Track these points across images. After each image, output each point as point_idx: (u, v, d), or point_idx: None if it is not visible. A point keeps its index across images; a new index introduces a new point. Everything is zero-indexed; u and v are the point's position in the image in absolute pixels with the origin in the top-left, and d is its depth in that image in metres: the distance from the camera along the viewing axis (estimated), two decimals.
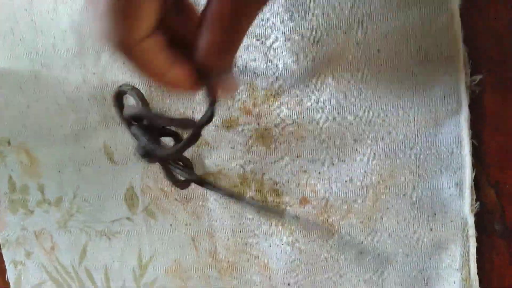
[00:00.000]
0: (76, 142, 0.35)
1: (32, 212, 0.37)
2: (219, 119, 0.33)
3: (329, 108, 0.31)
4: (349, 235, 0.31)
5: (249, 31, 0.30)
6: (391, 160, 0.30)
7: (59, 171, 0.36)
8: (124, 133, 0.34)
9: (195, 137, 0.25)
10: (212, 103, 0.23)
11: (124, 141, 0.34)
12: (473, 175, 0.29)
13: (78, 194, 0.36)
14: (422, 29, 0.29)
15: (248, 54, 0.31)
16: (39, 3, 0.34)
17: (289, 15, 0.30)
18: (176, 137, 0.29)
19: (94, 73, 0.34)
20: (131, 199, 0.35)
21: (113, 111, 0.34)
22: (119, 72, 0.33)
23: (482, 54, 0.28)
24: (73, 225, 0.37)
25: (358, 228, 0.31)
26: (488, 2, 0.28)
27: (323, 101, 0.31)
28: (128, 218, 0.36)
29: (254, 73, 0.32)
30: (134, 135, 0.28)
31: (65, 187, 0.36)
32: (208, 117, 0.24)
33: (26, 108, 0.36)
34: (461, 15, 0.28)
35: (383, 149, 0.30)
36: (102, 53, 0.34)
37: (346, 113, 0.31)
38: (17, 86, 0.36)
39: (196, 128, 0.25)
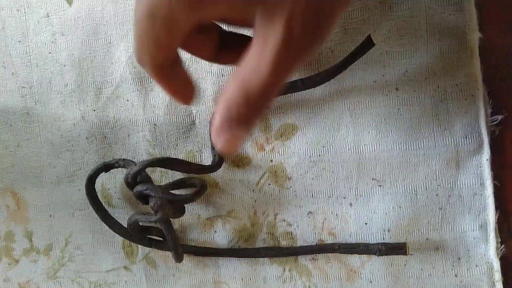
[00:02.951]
0: (70, 184, 0.32)
1: (17, 261, 0.34)
2: (229, 156, 0.31)
3: (346, 146, 0.30)
4: (370, 281, 0.30)
5: None
6: (412, 202, 0.29)
7: (50, 216, 0.33)
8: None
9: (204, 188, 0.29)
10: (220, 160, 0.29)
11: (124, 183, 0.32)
12: (497, 217, 0.28)
13: (71, 241, 0.33)
14: (441, 67, 0.28)
15: None
16: (35, 35, 0.32)
17: None
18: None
19: (94, 110, 0.32)
20: (129, 246, 0.32)
21: (113, 150, 0.32)
22: (122, 109, 0.31)
23: (502, 94, 0.28)
24: (64, 276, 0.33)
25: (380, 275, 0.29)
26: (508, 41, 0.28)
27: (339, 139, 0.30)
28: (125, 268, 0.33)
29: (267, 107, 0.30)
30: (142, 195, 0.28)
31: (56, 233, 0.33)
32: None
33: (16, 147, 0.33)
34: (481, 54, 0.28)
35: (404, 190, 0.29)
36: (104, 88, 0.32)
37: (364, 152, 0.29)
38: (6, 123, 0.33)
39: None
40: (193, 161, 0.31)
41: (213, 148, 0.30)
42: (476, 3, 0.28)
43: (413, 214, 0.29)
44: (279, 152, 0.30)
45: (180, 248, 0.29)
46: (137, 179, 0.28)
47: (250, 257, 0.31)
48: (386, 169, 0.29)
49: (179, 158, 0.31)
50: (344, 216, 0.30)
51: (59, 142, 0.32)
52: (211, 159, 0.30)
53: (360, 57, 0.27)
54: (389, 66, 0.29)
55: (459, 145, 0.28)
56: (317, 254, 0.30)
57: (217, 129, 0.20)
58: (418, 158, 0.29)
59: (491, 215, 0.28)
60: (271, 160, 0.30)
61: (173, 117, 0.31)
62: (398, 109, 0.29)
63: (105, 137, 0.32)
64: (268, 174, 0.30)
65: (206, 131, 0.31)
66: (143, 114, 0.31)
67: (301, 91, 0.29)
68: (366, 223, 0.29)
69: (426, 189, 0.29)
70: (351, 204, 0.30)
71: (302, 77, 0.28)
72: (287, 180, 0.30)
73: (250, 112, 0.19)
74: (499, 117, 0.28)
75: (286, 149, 0.30)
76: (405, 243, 0.28)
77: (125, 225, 0.30)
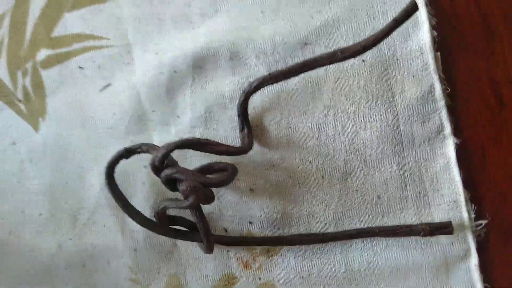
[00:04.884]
0: None
1: None
2: (215, 277, 0.30)
3: (334, 259, 0.29)
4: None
5: (242, 181, 0.29)
6: None
7: None
8: None
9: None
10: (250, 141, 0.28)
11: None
12: None
13: None
14: (420, 173, 0.28)
15: (242, 203, 0.29)
16: (2, 163, 0.31)
17: (283, 164, 0.29)
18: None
19: (70, 238, 0.30)
20: None
21: (93, 278, 0.30)
22: (99, 235, 0.30)
23: (484, 198, 0.28)
24: None
25: None
26: (483, 143, 0.28)
27: (327, 251, 0.29)
28: None
29: (250, 222, 0.30)
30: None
31: None
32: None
33: None
34: (459, 159, 0.27)
35: None
36: (79, 215, 0.30)
37: (353, 264, 0.29)
38: None
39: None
40: (177, 284, 0.30)
41: (241, 129, 0.28)
42: (448, 107, 0.28)
43: None
44: (267, 269, 0.30)
45: (212, 237, 0.27)
46: (164, 163, 0.26)
47: (285, 245, 0.29)
48: (377, 279, 0.29)
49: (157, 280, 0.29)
50: None
51: (37, 273, 0.31)
52: (240, 142, 0.29)
53: (402, 24, 0.24)
54: (368, 175, 0.28)
55: (446, 252, 0.28)
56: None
57: None
58: (407, 266, 0.28)
59: None
60: (259, 278, 0.30)
61: (153, 240, 0.30)
62: (383, 217, 0.29)
63: (84, 265, 0.30)
64: None
65: (190, 251, 0.30)
66: (122, 240, 0.30)
67: (284, 206, 0.29)
68: None
69: None
70: None
71: (341, 48, 0.25)
72: None
73: None
74: (484, 222, 0.28)
75: (274, 266, 0.29)
76: (451, 222, 0.27)
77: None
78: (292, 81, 0.28)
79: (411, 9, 0.24)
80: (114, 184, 0.27)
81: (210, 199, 0.27)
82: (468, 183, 0.28)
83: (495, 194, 0.28)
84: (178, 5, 0.30)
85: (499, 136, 0.28)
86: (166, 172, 0.25)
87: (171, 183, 0.26)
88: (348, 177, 0.29)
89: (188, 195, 0.25)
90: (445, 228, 0.27)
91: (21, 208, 0.31)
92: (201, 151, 0.27)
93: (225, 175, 0.26)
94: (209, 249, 0.27)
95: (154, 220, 0.27)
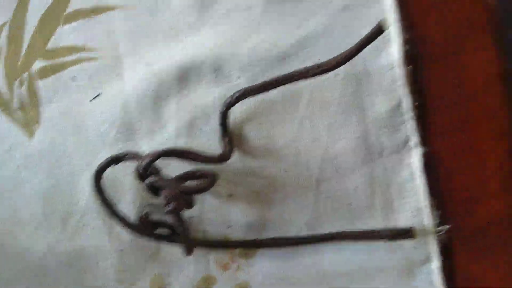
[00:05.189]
0: None
1: None
2: (196, 277, 0.32)
3: (307, 262, 0.31)
4: None
5: (222, 186, 0.31)
6: None
7: None
8: None
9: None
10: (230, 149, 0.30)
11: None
12: None
13: None
14: (387, 182, 0.30)
15: (222, 208, 0.31)
16: None
17: (261, 172, 0.31)
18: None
19: (62, 240, 0.32)
20: None
21: (82, 278, 0.32)
22: (88, 237, 0.32)
23: (448, 204, 0.30)
24: None
25: None
26: (453, 152, 0.30)
27: (301, 254, 0.31)
28: None
29: (229, 226, 0.31)
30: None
31: None
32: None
33: None
34: (423, 168, 0.29)
35: None
36: (70, 218, 0.32)
37: (325, 266, 0.31)
38: None
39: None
40: (161, 285, 0.32)
41: (223, 138, 0.30)
42: (416, 119, 0.29)
43: None
44: (244, 270, 0.31)
45: (191, 241, 0.29)
46: (148, 171, 0.28)
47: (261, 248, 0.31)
48: (346, 280, 0.30)
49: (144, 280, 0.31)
50: None
51: (29, 272, 0.33)
52: (221, 150, 0.30)
53: (373, 41, 0.27)
54: (340, 183, 0.30)
55: (409, 256, 0.30)
56: None
57: None
58: (374, 268, 0.30)
59: None
60: (237, 279, 0.31)
61: (139, 242, 0.32)
62: (353, 222, 0.30)
63: (74, 266, 0.32)
64: None
65: (173, 253, 0.32)
66: (110, 241, 0.32)
67: (261, 210, 0.31)
68: None
69: None
70: None
71: (317, 63, 0.27)
72: None
73: None
74: (446, 227, 0.29)
75: (251, 267, 0.31)
76: (413, 227, 0.29)
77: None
78: (271, 93, 0.30)
79: (381, 28, 0.26)
80: (101, 189, 0.29)
81: (190, 205, 0.29)
82: (432, 191, 0.29)
83: (458, 202, 0.30)
84: (167, 19, 0.32)
85: (464, 146, 0.30)
86: (149, 179, 0.27)
87: (154, 190, 0.28)
88: (322, 185, 0.30)
89: (168, 202, 0.27)
90: (407, 233, 0.29)
91: (15, 210, 0.33)
92: (183, 159, 0.29)
93: (204, 183, 0.28)
94: (188, 252, 0.29)
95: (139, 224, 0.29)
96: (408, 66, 0.29)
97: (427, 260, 0.30)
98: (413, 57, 0.29)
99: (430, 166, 0.30)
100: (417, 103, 0.29)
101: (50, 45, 0.32)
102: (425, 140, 0.29)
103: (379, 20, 0.26)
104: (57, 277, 0.32)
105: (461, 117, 0.29)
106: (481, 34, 0.29)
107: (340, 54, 0.27)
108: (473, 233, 0.30)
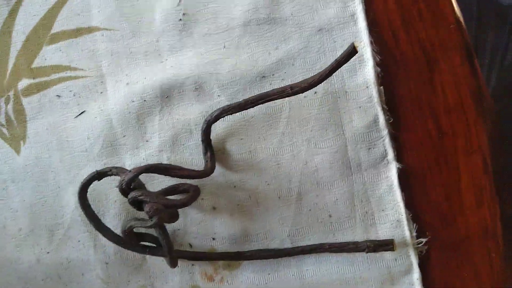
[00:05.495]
0: None
1: None
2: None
3: (289, 273, 0.32)
4: None
5: (206, 200, 0.32)
6: None
7: None
8: None
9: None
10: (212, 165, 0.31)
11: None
12: None
13: None
14: (366, 195, 0.31)
15: (206, 221, 0.32)
16: None
17: (243, 185, 0.32)
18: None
19: (48, 252, 0.33)
20: None
21: None
22: (74, 250, 0.33)
23: (425, 217, 0.31)
24: None
25: None
26: (424, 167, 0.31)
27: (283, 265, 0.32)
28: None
29: (213, 238, 0.32)
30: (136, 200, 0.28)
31: None
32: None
33: None
34: (401, 183, 0.30)
35: None
36: (56, 230, 0.33)
37: (306, 277, 0.31)
38: None
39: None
40: None
41: (205, 153, 0.31)
42: (391, 134, 0.30)
43: None
44: (228, 282, 0.32)
45: (175, 253, 0.30)
46: (131, 185, 0.28)
47: (244, 260, 0.32)
48: None
49: None
50: None
51: (16, 284, 0.33)
52: (204, 165, 0.31)
53: (343, 64, 0.27)
54: (321, 195, 0.31)
55: (390, 267, 0.31)
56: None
57: None
58: (355, 280, 0.31)
59: None
60: None
61: (123, 254, 0.32)
62: (333, 234, 0.31)
63: (60, 277, 0.33)
64: None
65: (158, 265, 0.32)
66: (95, 254, 0.33)
67: (244, 223, 0.31)
68: None
69: None
70: None
71: (291, 84, 0.28)
72: None
73: None
74: (424, 240, 0.30)
75: (234, 279, 0.32)
76: (392, 240, 0.29)
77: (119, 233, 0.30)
78: (252, 110, 0.31)
79: (352, 52, 0.27)
80: (86, 203, 0.30)
81: (173, 218, 0.29)
82: (410, 204, 0.30)
83: (435, 214, 0.31)
84: (149, 40, 0.32)
85: (438, 161, 0.31)
86: (132, 194, 0.28)
87: (137, 204, 0.28)
88: (303, 198, 0.31)
89: (151, 216, 0.27)
90: (387, 245, 0.29)
91: (3, 223, 0.33)
92: (166, 175, 0.30)
93: (186, 198, 0.29)
94: (172, 264, 0.30)
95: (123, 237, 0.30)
96: (381, 86, 0.30)
97: (408, 271, 0.30)
98: (387, 76, 0.30)
99: (407, 180, 0.31)
100: (391, 120, 0.30)
101: (35, 64, 0.33)
102: (400, 155, 0.30)
103: (351, 43, 0.27)
104: (43, 287, 0.33)
105: (435, 134, 0.30)
106: (453, 55, 0.30)
107: (313, 76, 0.28)
108: (451, 245, 0.31)
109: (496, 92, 0.66)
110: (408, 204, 0.30)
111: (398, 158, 0.31)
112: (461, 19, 0.31)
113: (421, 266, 0.30)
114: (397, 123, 0.31)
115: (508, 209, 0.31)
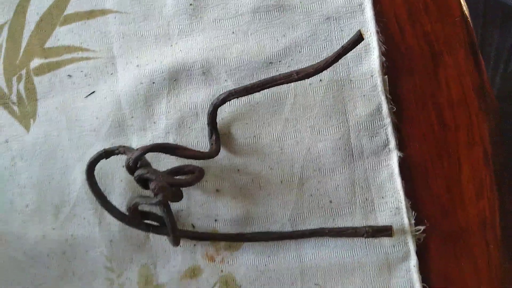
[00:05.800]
0: None
1: None
2: (182, 267, 0.33)
3: (289, 256, 0.32)
4: None
5: (210, 182, 0.32)
6: None
7: None
8: None
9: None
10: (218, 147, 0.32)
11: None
12: None
13: None
14: (367, 182, 0.31)
15: (209, 202, 0.33)
16: None
17: (247, 169, 0.32)
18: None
19: (53, 228, 0.34)
20: None
21: (72, 265, 0.34)
22: (79, 226, 0.33)
23: (423, 206, 0.31)
24: None
25: None
26: (425, 158, 0.31)
27: (283, 248, 0.32)
28: None
29: (215, 220, 0.33)
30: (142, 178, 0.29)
31: None
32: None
33: None
34: (401, 171, 0.31)
35: None
36: (62, 207, 0.34)
37: (305, 260, 0.32)
38: None
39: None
40: (148, 275, 0.33)
41: (210, 136, 0.31)
42: (394, 124, 0.31)
43: None
44: (228, 262, 0.33)
45: (178, 232, 0.30)
46: (137, 164, 0.29)
47: (245, 242, 0.32)
48: (326, 274, 0.32)
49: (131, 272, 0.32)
50: None
51: (23, 259, 0.34)
52: (209, 148, 0.32)
53: (349, 51, 0.27)
54: (322, 181, 0.32)
55: (388, 253, 0.31)
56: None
57: None
58: (353, 264, 0.32)
59: None
60: (222, 271, 0.33)
61: (128, 232, 0.33)
62: (333, 219, 0.32)
63: (64, 253, 0.34)
64: (219, 284, 0.33)
65: (161, 244, 0.33)
66: (99, 231, 0.33)
67: (247, 206, 0.32)
68: None
69: None
70: None
71: (297, 69, 0.28)
72: None
73: None
74: (422, 227, 0.31)
75: (235, 260, 0.33)
76: (391, 226, 0.30)
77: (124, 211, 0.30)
78: (258, 95, 0.32)
79: (358, 39, 0.27)
80: (93, 181, 0.31)
81: (178, 197, 0.30)
82: (410, 192, 0.31)
83: (436, 205, 0.31)
84: (159, 24, 0.33)
85: (440, 153, 0.31)
86: (138, 172, 0.29)
87: (143, 182, 0.29)
88: (304, 183, 0.32)
89: (156, 193, 0.28)
90: (385, 231, 0.30)
91: (10, 199, 0.34)
92: (171, 154, 0.30)
93: (191, 177, 0.30)
94: (175, 242, 0.30)
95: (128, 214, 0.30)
96: (385, 75, 0.30)
97: (405, 258, 0.31)
98: (391, 67, 0.31)
99: (408, 169, 0.31)
100: (394, 110, 0.31)
101: (48, 44, 0.34)
102: (403, 147, 0.31)
103: (357, 30, 0.27)
104: (48, 263, 0.34)
105: (437, 125, 0.31)
106: (457, 49, 0.30)
107: (319, 62, 0.28)
108: (450, 236, 0.31)
109: (501, 93, 0.66)
110: (409, 195, 0.31)
111: (401, 149, 0.31)
112: (467, 13, 0.31)
113: (419, 254, 0.31)
114: (400, 115, 0.31)
115: (507, 201, 0.31)
